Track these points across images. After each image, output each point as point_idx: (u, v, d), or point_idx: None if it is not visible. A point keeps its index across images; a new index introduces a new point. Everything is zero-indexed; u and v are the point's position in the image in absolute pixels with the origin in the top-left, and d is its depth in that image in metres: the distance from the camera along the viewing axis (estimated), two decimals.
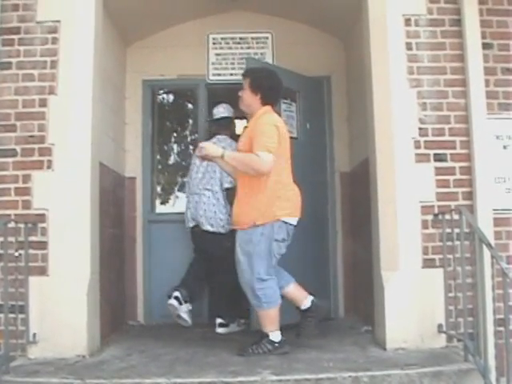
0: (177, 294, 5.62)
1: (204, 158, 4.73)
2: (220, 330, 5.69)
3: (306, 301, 4.64)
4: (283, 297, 4.60)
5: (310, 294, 4.69)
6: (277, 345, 4.48)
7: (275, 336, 4.49)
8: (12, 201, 4.65)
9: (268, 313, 4.48)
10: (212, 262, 5.81)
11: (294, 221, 4.56)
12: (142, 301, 6.42)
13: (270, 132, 4.43)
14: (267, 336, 4.49)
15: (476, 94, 4.79)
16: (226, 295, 5.69)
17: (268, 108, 4.64)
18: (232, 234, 4.82)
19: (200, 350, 4.73)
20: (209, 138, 6.02)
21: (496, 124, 4.84)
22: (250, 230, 4.46)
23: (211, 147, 4.67)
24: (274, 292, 4.49)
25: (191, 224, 5.86)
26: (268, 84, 4.65)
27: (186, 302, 5.65)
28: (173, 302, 5.60)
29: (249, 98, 4.64)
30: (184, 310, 5.63)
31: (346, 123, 6.60)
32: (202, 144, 4.74)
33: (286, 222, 4.50)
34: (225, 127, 5.96)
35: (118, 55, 6.22)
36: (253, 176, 4.45)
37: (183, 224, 6.01)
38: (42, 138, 4.70)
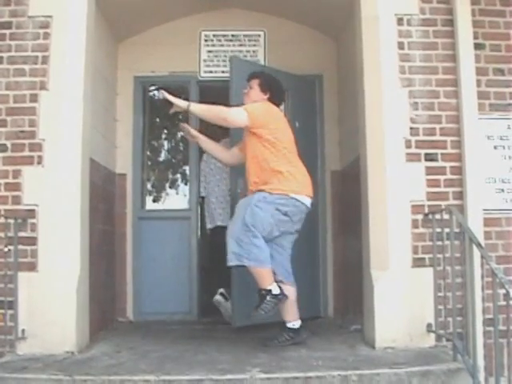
0: (222, 290, 5.76)
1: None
2: (217, 298, 5.75)
3: (295, 322, 4.74)
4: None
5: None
6: (280, 296, 4.44)
7: (274, 288, 4.46)
8: (2, 196, 4.62)
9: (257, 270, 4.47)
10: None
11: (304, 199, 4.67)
12: (131, 297, 6.40)
13: (256, 104, 4.69)
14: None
15: (467, 94, 4.79)
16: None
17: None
18: None
19: (189, 348, 4.72)
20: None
21: (487, 124, 4.86)
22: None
23: (176, 100, 4.77)
24: (261, 252, 4.43)
25: (211, 225, 6.05)
26: (276, 85, 4.96)
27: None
28: (218, 297, 5.75)
29: (257, 96, 4.85)
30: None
31: (337, 122, 6.60)
32: (164, 94, 4.79)
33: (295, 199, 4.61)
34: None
35: (110, 51, 6.20)
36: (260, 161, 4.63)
37: (173, 221, 6.01)
38: (33, 133, 4.67)
